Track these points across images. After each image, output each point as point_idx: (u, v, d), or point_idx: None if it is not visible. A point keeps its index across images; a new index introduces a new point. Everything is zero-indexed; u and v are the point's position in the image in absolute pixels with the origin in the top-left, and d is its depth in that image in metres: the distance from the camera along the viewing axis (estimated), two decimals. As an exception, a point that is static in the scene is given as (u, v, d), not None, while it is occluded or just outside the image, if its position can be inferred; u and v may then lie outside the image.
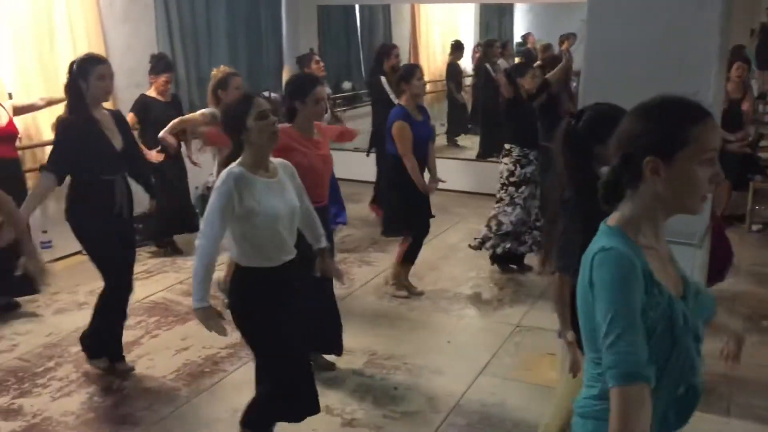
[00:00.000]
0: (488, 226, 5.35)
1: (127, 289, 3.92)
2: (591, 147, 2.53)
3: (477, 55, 9.86)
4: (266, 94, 7.27)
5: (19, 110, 4.88)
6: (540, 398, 3.65)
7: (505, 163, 5.26)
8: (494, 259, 5.48)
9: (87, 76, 3.58)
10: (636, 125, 1.53)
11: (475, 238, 5.50)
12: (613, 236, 1.52)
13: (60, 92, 5.49)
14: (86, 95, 3.60)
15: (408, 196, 4.77)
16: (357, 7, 9.67)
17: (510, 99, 5.22)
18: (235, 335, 4.35)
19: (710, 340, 4.63)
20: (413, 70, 4.77)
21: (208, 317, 2.74)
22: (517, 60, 10.27)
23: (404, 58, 10.40)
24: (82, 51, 5.71)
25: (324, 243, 3.14)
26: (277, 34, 8.23)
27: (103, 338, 3.91)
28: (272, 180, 2.76)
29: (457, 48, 10.07)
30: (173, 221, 5.89)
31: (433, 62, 10.63)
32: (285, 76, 7.71)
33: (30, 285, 4.83)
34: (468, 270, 5.63)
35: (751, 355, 4.11)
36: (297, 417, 3.01)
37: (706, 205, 3.53)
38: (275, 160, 2.87)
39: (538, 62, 6.79)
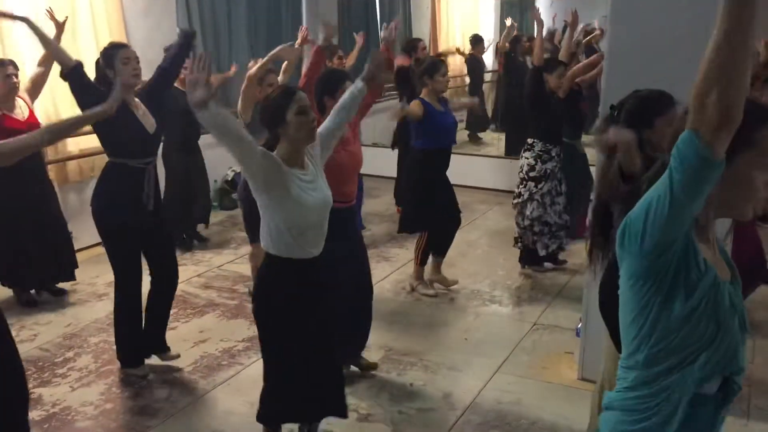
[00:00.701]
0: (516, 223, 5.33)
1: (168, 282, 3.91)
2: (639, 134, 2.49)
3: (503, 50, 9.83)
4: None
5: (32, 90, 4.78)
6: (556, 397, 3.63)
7: (526, 158, 5.21)
8: (522, 257, 5.44)
9: (112, 62, 3.56)
10: None
11: (515, 238, 5.45)
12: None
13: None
14: (116, 84, 3.51)
15: (431, 191, 4.76)
16: (377, 0, 9.66)
17: (534, 93, 5.18)
18: (252, 329, 4.40)
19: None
20: (438, 65, 4.71)
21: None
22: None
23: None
24: (104, 44, 5.76)
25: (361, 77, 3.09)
26: (297, 28, 8.21)
27: (133, 344, 3.87)
28: (305, 173, 2.73)
29: (477, 42, 10.01)
30: (187, 213, 5.94)
31: (452, 56, 10.59)
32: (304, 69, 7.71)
33: (65, 272, 4.91)
34: (486, 267, 5.61)
35: (772, 357, 4.07)
36: (297, 418, 3.02)
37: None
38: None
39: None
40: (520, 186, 5.27)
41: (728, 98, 1.27)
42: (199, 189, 6.06)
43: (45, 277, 4.85)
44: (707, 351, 1.47)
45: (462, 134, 9.28)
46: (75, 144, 5.65)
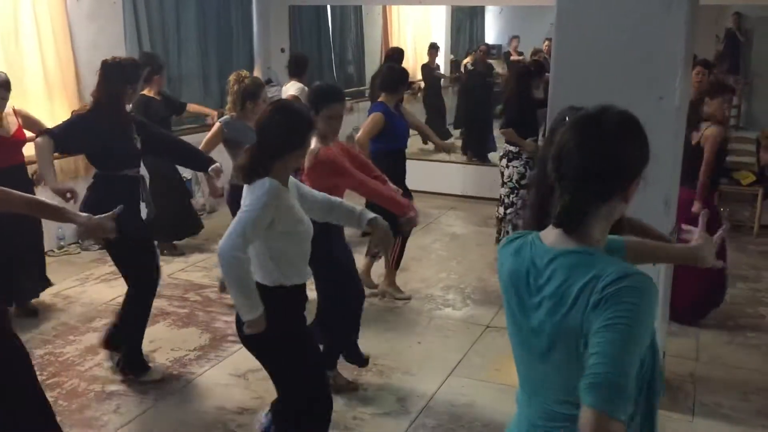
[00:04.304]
0: (507, 231, 5.40)
1: (152, 289, 3.91)
2: None
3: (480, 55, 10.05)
4: (273, 81, 7.27)
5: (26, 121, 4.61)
6: (510, 399, 3.64)
7: (515, 166, 5.30)
8: None
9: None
10: (628, 145, 1.45)
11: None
12: (613, 258, 1.47)
13: (24, 87, 5.46)
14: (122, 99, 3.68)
15: None
16: (329, 7, 9.66)
17: (520, 102, 5.31)
18: (204, 337, 4.34)
19: (677, 339, 4.71)
20: (408, 77, 4.98)
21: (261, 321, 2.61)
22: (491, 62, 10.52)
23: (376, 60, 10.49)
24: (48, 48, 5.66)
25: (369, 213, 2.87)
26: (247, 34, 8.18)
27: (140, 347, 3.88)
28: (291, 195, 2.71)
29: (433, 50, 10.25)
30: (179, 224, 5.86)
31: (405, 64, 10.67)
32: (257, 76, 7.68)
33: (31, 289, 4.71)
34: (439, 271, 5.65)
35: (717, 354, 4.20)
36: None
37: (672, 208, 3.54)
38: None
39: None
40: (512, 195, 5.32)
41: None
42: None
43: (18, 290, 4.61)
44: (653, 377, 1.50)
45: (416, 140, 9.35)
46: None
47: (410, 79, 10.08)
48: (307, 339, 2.84)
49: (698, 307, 4.57)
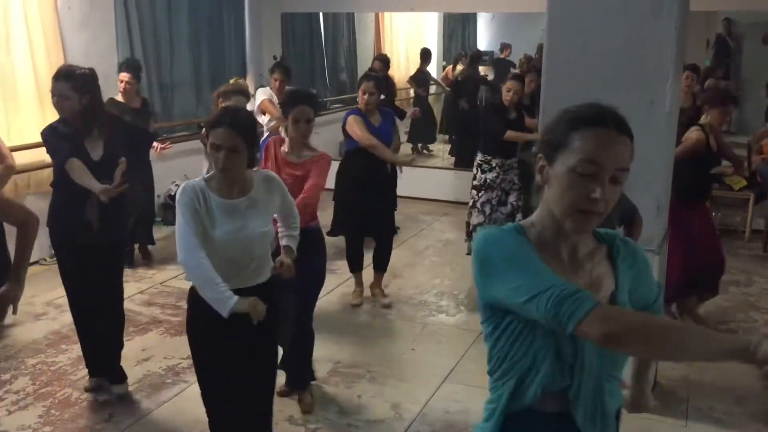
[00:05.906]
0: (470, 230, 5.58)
1: (106, 304, 3.71)
2: None
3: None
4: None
5: None
6: (503, 404, 3.67)
7: (473, 167, 5.50)
8: None
9: None
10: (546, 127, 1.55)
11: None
12: (508, 228, 1.52)
13: (16, 94, 5.45)
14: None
15: (351, 194, 4.91)
16: (321, 14, 9.68)
17: (488, 106, 5.40)
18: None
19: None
20: (359, 83, 4.99)
21: (252, 304, 2.47)
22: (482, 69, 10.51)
23: (368, 67, 10.50)
24: (39, 56, 5.64)
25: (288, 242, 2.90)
26: (240, 41, 8.19)
27: (87, 357, 3.80)
28: (234, 201, 2.57)
29: (426, 56, 10.23)
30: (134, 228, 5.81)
31: (397, 71, 10.68)
32: (249, 83, 7.68)
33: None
34: (433, 277, 5.65)
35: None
36: None
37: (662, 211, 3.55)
38: (258, 174, 2.70)
39: (515, 71, 7.04)
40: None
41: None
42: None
43: None
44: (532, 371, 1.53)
45: (405, 146, 9.34)
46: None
47: (400, 86, 10.19)
48: (215, 353, 2.67)
49: (681, 285, 4.45)
